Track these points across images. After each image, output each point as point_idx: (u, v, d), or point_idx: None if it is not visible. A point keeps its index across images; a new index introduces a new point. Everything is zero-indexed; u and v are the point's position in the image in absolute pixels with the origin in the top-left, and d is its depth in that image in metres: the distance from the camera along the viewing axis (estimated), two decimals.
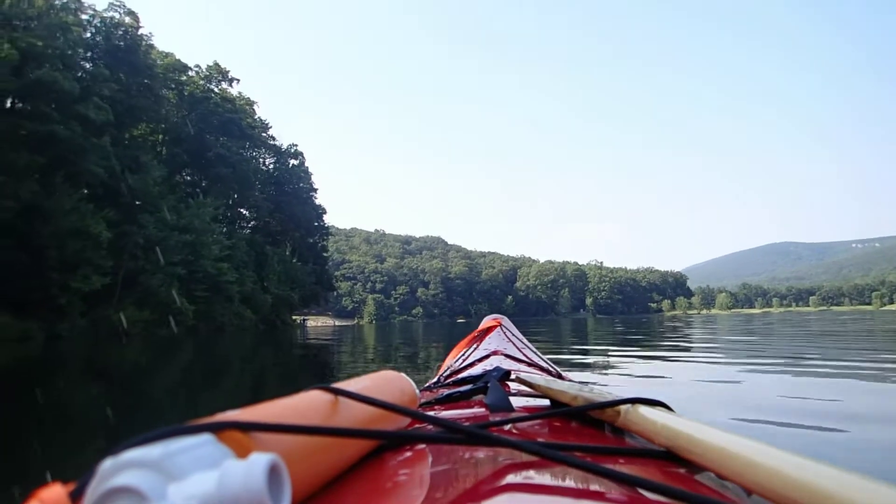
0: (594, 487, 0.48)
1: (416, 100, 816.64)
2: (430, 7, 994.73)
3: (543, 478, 0.51)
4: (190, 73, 43.47)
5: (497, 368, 1.15)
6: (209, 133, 39.62)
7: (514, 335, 1.91)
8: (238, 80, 46.71)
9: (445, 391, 1.08)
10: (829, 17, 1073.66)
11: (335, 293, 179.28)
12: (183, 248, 33.03)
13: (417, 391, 0.80)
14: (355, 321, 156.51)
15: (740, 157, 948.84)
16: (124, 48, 33.84)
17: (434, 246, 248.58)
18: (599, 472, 0.45)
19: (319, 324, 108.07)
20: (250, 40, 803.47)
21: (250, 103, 57.66)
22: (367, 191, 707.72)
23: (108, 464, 0.33)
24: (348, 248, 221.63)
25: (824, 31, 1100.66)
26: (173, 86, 41.56)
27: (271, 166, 61.30)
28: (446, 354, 2.07)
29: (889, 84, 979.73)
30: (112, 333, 26.12)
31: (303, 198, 62.90)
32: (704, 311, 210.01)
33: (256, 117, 59.66)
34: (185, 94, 39.90)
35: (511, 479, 0.52)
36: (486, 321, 2.06)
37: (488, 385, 0.99)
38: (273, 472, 0.34)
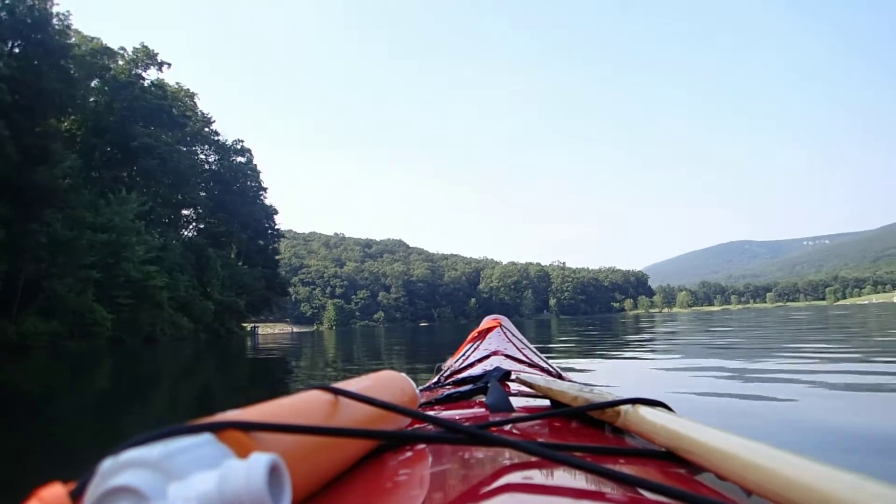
0: (594, 487, 0.48)
1: (376, 103, 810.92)
2: (384, 8, 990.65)
3: (543, 478, 0.51)
4: (118, 59, 39.28)
5: (497, 368, 1.14)
6: (135, 122, 35.43)
7: (514, 335, 1.92)
8: (169, 65, 42.49)
9: (445, 391, 1.09)
10: (785, 12, 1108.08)
11: (292, 299, 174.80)
12: (101, 248, 29.02)
13: (417, 391, 0.81)
14: (315, 327, 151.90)
15: (696, 158, 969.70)
16: (31, 24, 29.62)
17: (395, 249, 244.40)
18: (599, 472, 0.45)
19: (277, 331, 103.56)
20: (200, 49, 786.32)
21: (189, 94, 53.57)
22: (327, 194, 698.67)
23: (108, 463, 0.33)
24: (307, 252, 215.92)
25: (776, 25, 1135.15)
26: (99, 72, 37.31)
27: (215, 163, 57.16)
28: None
29: (844, 86, 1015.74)
30: (13, 349, 22.36)
31: (250, 197, 58.92)
32: (666, 310, 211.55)
33: (198, 111, 55.69)
34: (108, 78, 35.55)
35: (511, 479, 0.51)
36: (486, 321, 2.06)
37: (488, 385, 0.99)
38: (273, 472, 0.34)
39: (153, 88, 38.71)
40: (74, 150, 35.10)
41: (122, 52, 38.95)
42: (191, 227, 54.87)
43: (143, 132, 34.68)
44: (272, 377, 9.15)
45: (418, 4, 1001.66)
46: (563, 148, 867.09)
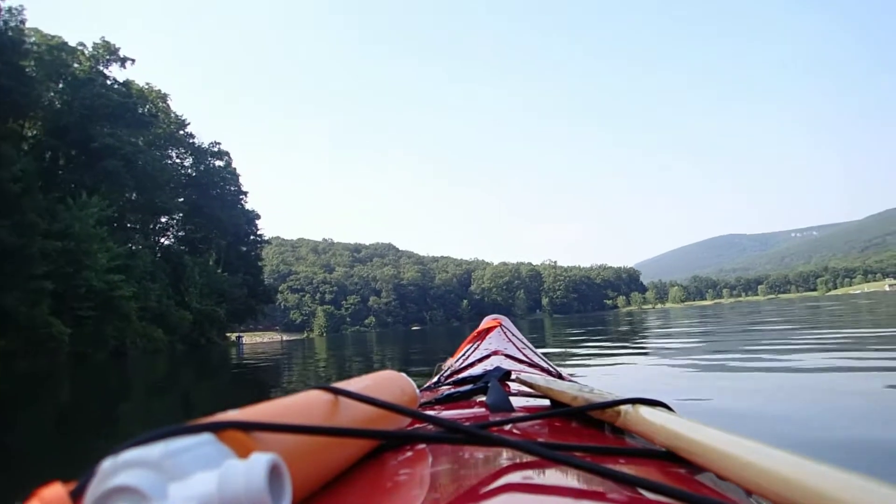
0: (594, 487, 0.48)
1: (360, 107, 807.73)
2: (370, 12, 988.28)
3: (543, 478, 0.51)
4: (79, 56, 36.89)
5: (497, 368, 1.14)
6: (96, 121, 33.04)
7: (514, 335, 1.92)
8: (133, 61, 39.87)
9: (445, 391, 1.09)
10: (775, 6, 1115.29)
11: (281, 306, 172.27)
12: (57, 257, 26.68)
13: (417, 391, 0.81)
14: (305, 335, 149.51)
15: (682, 154, 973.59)
16: None
17: (385, 253, 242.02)
18: (599, 472, 0.45)
19: (265, 340, 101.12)
20: (184, 54, 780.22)
21: (161, 96, 51.23)
22: (314, 201, 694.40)
23: (108, 463, 0.33)
24: (295, 258, 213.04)
25: (761, 14, 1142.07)
26: (58, 70, 34.93)
27: (191, 167, 54.76)
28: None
29: (830, 77, 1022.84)
30: None
31: (229, 201, 56.49)
32: (659, 306, 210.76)
33: (172, 113, 53.34)
34: (66, 75, 33.16)
35: (511, 479, 0.51)
36: (486, 321, 2.07)
37: (488, 385, 0.99)
38: (273, 472, 0.34)
39: (116, 86, 36.34)
40: (34, 153, 32.87)
41: (81, 48, 36.60)
42: (167, 233, 52.58)
43: (104, 132, 32.27)
44: (245, 392, 8.15)
45: (411, 7, 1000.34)
46: (550, 148, 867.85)
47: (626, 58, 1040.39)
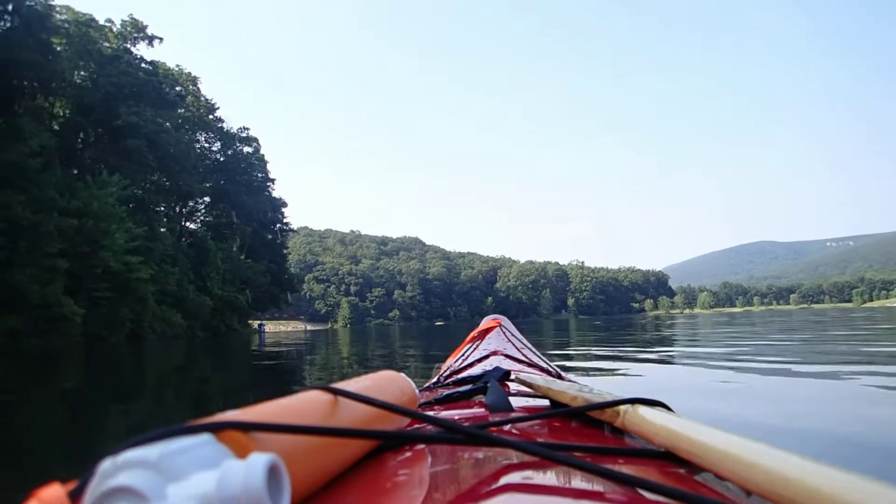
0: (594, 488, 0.48)
1: (394, 105, 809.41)
2: (407, 18, 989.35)
3: (543, 478, 0.51)
4: (107, 33, 36.37)
5: (497, 368, 1.15)
6: (121, 99, 32.38)
7: (513, 335, 1.93)
8: (161, 40, 39.14)
9: (445, 391, 1.09)
10: (804, 17, 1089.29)
11: (306, 296, 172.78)
12: (74, 235, 26.00)
13: (417, 391, 0.81)
14: (329, 325, 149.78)
15: (714, 159, 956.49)
16: None
17: (411, 247, 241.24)
18: (599, 472, 0.45)
19: (290, 328, 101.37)
20: (224, 52, 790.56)
21: (192, 79, 50.72)
22: (343, 192, 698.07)
23: (107, 464, 0.33)
24: (322, 249, 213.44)
25: (796, 23, 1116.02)
26: (86, 46, 34.37)
27: (218, 152, 54.29)
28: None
29: (866, 87, 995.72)
30: None
31: (256, 187, 55.88)
32: (687, 311, 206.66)
33: (202, 97, 52.85)
34: (92, 51, 32.58)
35: (511, 479, 0.52)
36: (486, 321, 2.08)
37: (488, 385, 1.00)
38: (272, 472, 0.34)
39: (143, 64, 35.73)
40: (60, 130, 32.36)
41: (109, 24, 36.05)
42: (193, 217, 52.16)
43: (128, 110, 31.60)
44: (259, 390, 7.17)
45: (437, 9, 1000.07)
46: (581, 149, 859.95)
47: (659, 69, 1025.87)
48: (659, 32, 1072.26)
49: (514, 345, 1.79)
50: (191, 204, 50.21)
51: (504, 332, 1.92)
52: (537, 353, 1.84)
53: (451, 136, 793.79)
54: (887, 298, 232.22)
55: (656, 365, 7.02)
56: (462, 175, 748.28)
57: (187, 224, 51.24)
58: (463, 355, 1.75)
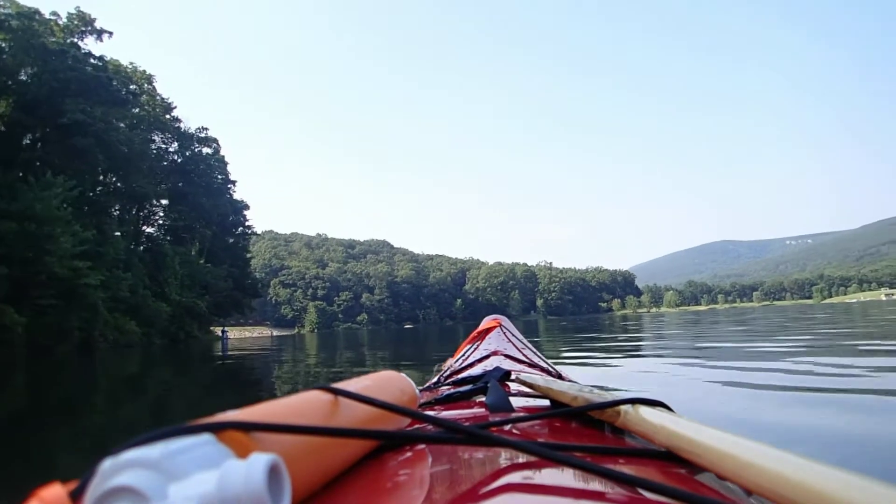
0: (594, 487, 0.48)
1: (362, 108, 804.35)
2: (375, 17, 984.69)
3: (543, 478, 0.52)
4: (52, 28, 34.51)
5: (497, 368, 1.15)
6: (67, 96, 30.63)
7: (513, 335, 1.92)
8: (110, 34, 37.32)
9: (445, 391, 1.10)
10: (764, 15, 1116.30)
11: (272, 301, 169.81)
12: (14, 240, 24.37)
13: (417, 391, 0.81)
14: (296, 330, 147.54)
15: (677, 160, 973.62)
16: None
17: (379, 249, 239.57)
18: (599, 472, 0.45)
19: (255, 334, 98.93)
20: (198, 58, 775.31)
21: (147, 77, 48.81)
22: (310, 195, 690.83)
23: (108, 463, 0.33)
24: (288, 253, 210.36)
25: (754, 27, 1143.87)
26: (29, 41, 32.51)
27: (175, 153, 52.42)
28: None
29: (825, 86, 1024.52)
30: None
31: (216, 190, 54.19)
32: (654, 310, 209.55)
33: (157, 96, 50.91)
34: (36, 45, 30.70)
35: (511, 479, 0.52)
36: (486, 321, 2.07)
37: (488, 385, 1.00)
38: (273, 472, 0.34)
39: (91, 60, 33.96)
40: (2, 129, 30.50)
41: (54, 17, 34.13)
42: (150, 221, 50.20)
43: (75, 107, 29.88)
44: (220, 399, 6.91)
45: (415, 17, 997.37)
46: (547, 152, 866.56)
47: (621, 70, 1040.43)
48: (619, 37, 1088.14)
49: (514, 345, 1.79)
50: (147, 207, 48.34)
51: (504, 333, 1.91)
52: (537, 353, 1.83)
53: (420, 138, 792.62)
54: (846, 295, 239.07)
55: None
56: (431, 177, 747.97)
57: (144, 228, 49.33)
58: (463, 355, 1.75)
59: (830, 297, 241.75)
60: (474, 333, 1.97)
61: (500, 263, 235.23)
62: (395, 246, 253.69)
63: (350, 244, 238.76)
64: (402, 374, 0.78)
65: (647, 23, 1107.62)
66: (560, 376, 1.43)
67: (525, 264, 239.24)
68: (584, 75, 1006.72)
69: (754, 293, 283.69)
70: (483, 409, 0.90)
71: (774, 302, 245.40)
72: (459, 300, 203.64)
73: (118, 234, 37.33)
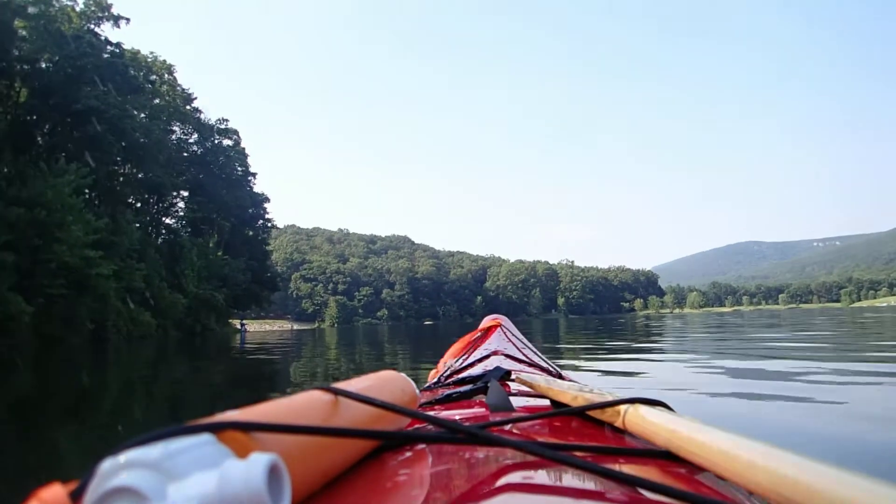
0: (594, 487, 0.48)
1: (386, 103, 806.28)
2: (403, 17, 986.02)
3: (544, 478, 0.52)
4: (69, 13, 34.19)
5: (497, 368, 1.16)
6: (82, 82, 30.18)
7: (514, 335, 1.93)
8: (127, 20, 36.85)
9: (446, 391, 1.10)
10: (792, 15, 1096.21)
11: (293, 294, 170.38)
12: (24, 227, 23.87)
13: (418, 391, 0.81)
14: (316, 325, 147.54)
15: (702, 159, 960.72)
16: None
17: (400, 245, 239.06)
18: (600, 472, 0.45)
19: (275, 328, 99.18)
20: (225, 53, 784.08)
21: (167, 67, 48.53)
22: (332, 190, 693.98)
23: (108, 464, 0.33)
24: (309, 247, 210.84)
25: (783, 22, 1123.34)
26: (47, 26, 32.20)
27: (195, 145, 52.07)
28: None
29: (855, 88, 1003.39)
30: None
31: (234, 181, 53.80)
32: (677, 310, 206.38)
33: (178, 87, 50.62)
34: (52, 31, 30.32)
35: (511, 479, 0.52)
36: (487, 321, 2.08)
37: (488, 385, 1.01)
38: (273, 472, 0.34)
39: (107, 46, 33.54)
40: (16, 115, 30.12)
41: (71, 3, 33.80)
42: (170, 212, 49.96)
43: (89, 93, 29.38)
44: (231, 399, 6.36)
45: (433, 9, 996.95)
46: (569, 150, 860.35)
47: (645, 71, 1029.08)
48: (654, 36, 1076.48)
49: (514, 345, 1.78)
50: (168, 198, 48.07)
51: (505, 332, 1.91)
52: (538, 353, 1.81)
53: (443, 134, 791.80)
54: (875, 298, 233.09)
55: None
56: (453, 173, 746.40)
57: (164, 219, 49.09)
58: (464, 355, 1.73)
59: (859, 300, 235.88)
60: (475, 333, 1.96)
61: (521, 261, 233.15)
62: (416, 242, 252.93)
63: (371, 239, 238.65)
64: (402, 374, 0.77)
65: (687, 22, 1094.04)
66: (560, 376, 1.43)
67: (546, 262, 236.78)
68: (599, 70, 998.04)
69: (780, 296, 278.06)
70: (483, 409, 0.90)
71: (801, 305, 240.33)
72: (480, 297, 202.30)
73: (136, 224, 36.92)
